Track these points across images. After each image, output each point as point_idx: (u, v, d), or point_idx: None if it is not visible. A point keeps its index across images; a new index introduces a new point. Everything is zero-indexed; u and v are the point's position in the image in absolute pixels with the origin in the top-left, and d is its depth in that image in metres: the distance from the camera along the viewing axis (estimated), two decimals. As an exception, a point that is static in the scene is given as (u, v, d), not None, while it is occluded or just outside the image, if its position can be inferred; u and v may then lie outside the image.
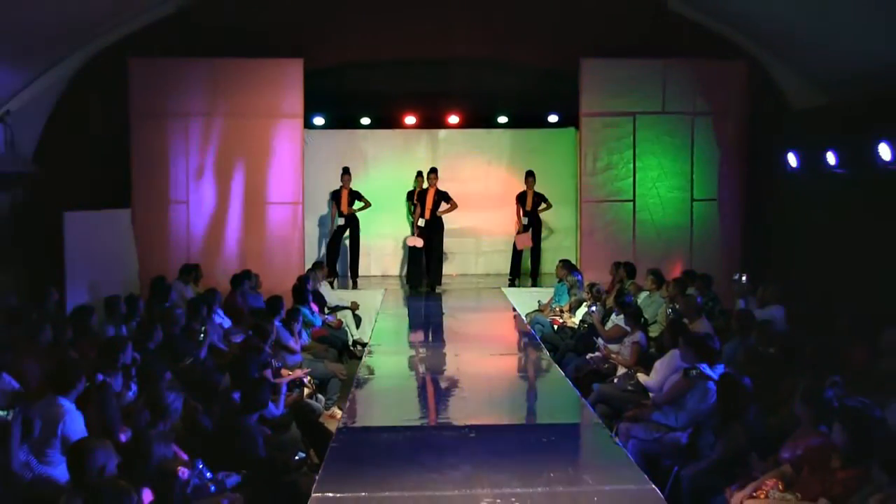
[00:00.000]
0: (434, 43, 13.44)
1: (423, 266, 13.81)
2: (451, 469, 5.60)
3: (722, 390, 6.42)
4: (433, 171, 13.71)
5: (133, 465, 4.93)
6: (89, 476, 4.57)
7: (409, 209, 14.89)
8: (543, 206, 14.10)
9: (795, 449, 5.53)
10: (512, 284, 14.00)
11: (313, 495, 5.21)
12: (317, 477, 5.60)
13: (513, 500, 5.06)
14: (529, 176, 14.10)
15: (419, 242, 13.72)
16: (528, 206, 14.05)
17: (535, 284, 13.90)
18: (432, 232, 13.71)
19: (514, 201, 14.24)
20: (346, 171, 14.09)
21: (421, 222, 13.70)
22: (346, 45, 13.39)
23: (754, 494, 5.31)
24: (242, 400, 6.57)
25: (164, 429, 5.87)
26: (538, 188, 14.10)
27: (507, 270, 14.40)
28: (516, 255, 14.28)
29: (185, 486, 5.06)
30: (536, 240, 14.22)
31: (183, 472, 5.26)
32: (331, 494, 5.22)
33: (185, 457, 5.82)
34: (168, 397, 5.93)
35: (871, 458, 4.72)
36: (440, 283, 13.81)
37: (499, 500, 5.06)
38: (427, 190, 13.75)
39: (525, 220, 14.07)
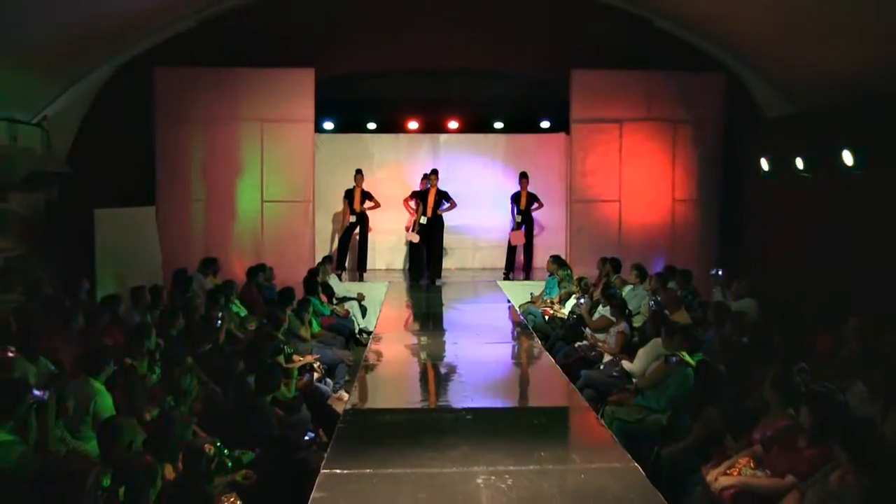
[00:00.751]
0: (436, 55, 13.49)
1: (424, 260, 13.62)
2: (449, 448, 5.61)
3: (699, 376, 6.44)
4: (434, 172, 13.56)
5: (157, 443, 4.94)
6: (117, 451, 4.59)
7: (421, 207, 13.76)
8: (536, 205, 14.11)
9: (766, 430, 5.54)
10: (506, 278, 13.99)
11: (322, 471, 5.24)
12: (325, 455, 5.63)
13: (506, 477, 5.08)
14: (523, 177, 14.10)
15: (416, 238, 13.58)
16: (522, 206, 14.06)
17: (527, 278, 13.89)
18: (433, 229, 13.54)
19: (509, 200, 14.25)
20: (358, 172, 13.92)
21: (423, 220, 13.49)
22: (355, 56, 13.41)
23: (728, 472, 5.33)
24: (256, 383, 6.58)
25: (182, 409, 5.89)
26: (531, 188, 14.10)
27: (503, 265, 14.40)
28: (511, 250, 14.29)
29: (210, 461, 5.07)
30: (529, 237, 14.23)
31: (207, 448, 5.27)
32: (338, 471, 5.25)
33: (205, 436, 5.85)
34: (183, 382, 5.93)
35: (833, 438, 4.73)
36: (440, 277, 13.60)
37: (493, 478, 5.08)
38: (428, 190, 13.60)
39: (519, 218, 14.08)
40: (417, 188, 14.23)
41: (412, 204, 13.91)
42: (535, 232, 14.51)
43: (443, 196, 13.55)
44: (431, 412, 6.84)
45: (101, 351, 6.44)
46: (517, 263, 14.43)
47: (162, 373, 7.08)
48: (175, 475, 4.98)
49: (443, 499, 4.81)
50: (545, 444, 5.66)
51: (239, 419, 6.36)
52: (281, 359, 8.10)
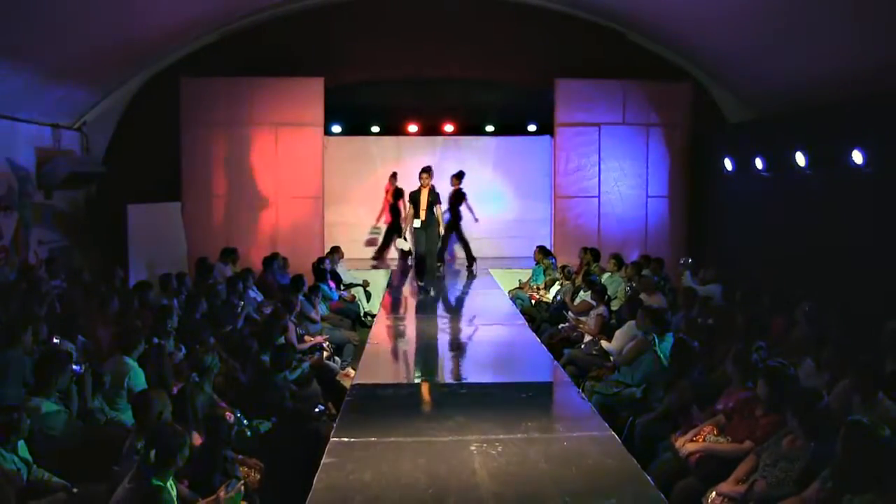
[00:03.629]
0: (433, 66, 13.50)
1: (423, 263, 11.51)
2: (445, 419, 5.64)
3: (675, 351, 6.46)
4: (427, 170, 11.46)
5: (182, 413, 4.97)
6: (149, 420, 4.62)
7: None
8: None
9: (728, 402, 5.59)
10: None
11: (332, 439, 5.27)
12: (334, 425, 5.66)
13: (497, 444, 5.11)
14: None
15: (406, 245, 12.01)
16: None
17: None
18: (428, 233, 11.40)
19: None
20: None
21: (417, 223, 11.31)
22: (360, 67, 13.42)
23: (694, 439, 5.35)
24: (271, 362, 6.60)
25: (205, 384, 5.91)
26: (520, 188, 14.11)
27: (493, 255, 14.45)
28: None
29: (230, 428, 5.10)
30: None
31: (229, 416, 5.31)
32: (346, 439, 5.27)
33: (222, 404, 5.88)
34: (207, 359, 5.96)
35: (785, 407, 4.79)
36: (433, 278, 11.63)
37: (485, 445, 5.11)
38: (419, 190, 11.42)
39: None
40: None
41: (405, 207, 12.19)
42: (523, 225, 14.47)
43: (436, 197, 11.44)
44: (429, 387, 6.85)
45: (133, 332, 6.45)
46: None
47: (187, 351, 7.11)
48: (201, 442, 5.03)
49: (440, 464, 4.83)
50: (531, 416, 5.69)
51: (256, 393, 6.40)
52: (292, 337, 8.16)
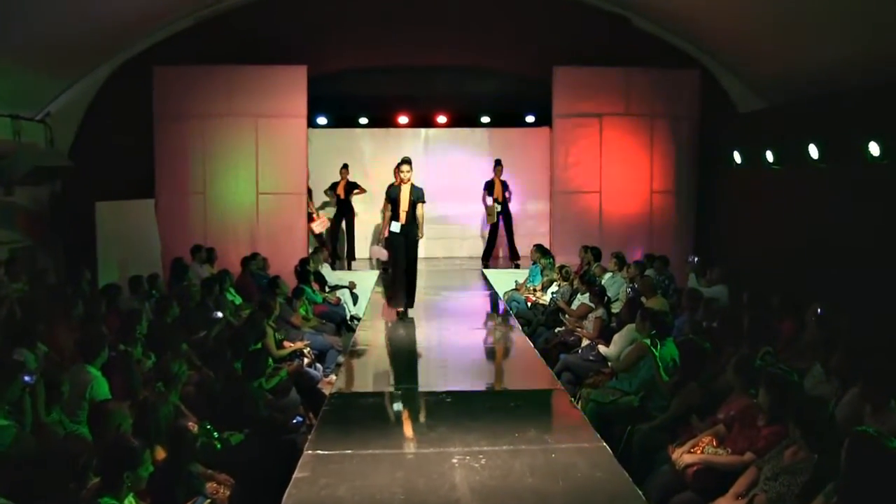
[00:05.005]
0: (424, 52, 13.46)
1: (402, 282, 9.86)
2: (427, 429, 5.65)
3: (685, 353, 6.44)
4: (407, 161, 9.78)
5: (142, 425, 4.95)
6: (106, 433, 4.60)
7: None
8: (507, 193, 14.07)
9: (729, 410, 5.57)
10: (486, 266, 13.94)
11: (305, 452, 5.26)
12: (309, 437, 5.64)
13: (480, 457, 5.10)
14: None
15: (384, 255, 10.33)
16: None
17: (517, 268, 13.73)
18: (410, 239, 9.75)
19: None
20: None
21: (395, 227, 9.68)
22: (346, 54, 13.39)
23: (692, 450, 5.33)
24: (243, 369, 6.59)
25: (174, 393, 5.89)
26: (518, 182, 14.10)
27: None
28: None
29: (194, 439, 5.08)
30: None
31: (192, 427, 5.29)
32: (321, 452, 5.27)
33: (190, 415, 5.86)
34: (172, 367, 5.93)
35: (788, 417, 4.77)
36: (412, 305, 9.99)
37: (468, 457, 5.10)
38: (399, 186, 9.76)
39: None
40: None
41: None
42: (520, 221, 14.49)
43: (420, 195, 9.76)
44: (413, 395, 6.84)
45: (96, 338, 6.42)
46: (495, 253, 14.44)
47: (157, 359, 7.09)
48: (165, 457, 5.00)
49: (418, 477, 4.82)
50: (519, 426, 5.68)
51: (228, 403, 6.37)
52: (270, 342, 8.15)
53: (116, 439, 4.25)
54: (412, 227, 9.68)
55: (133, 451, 4.12)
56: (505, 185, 14.06)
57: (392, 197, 9.74)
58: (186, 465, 4.80)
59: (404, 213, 9.63)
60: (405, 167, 9.67)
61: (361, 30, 13.26)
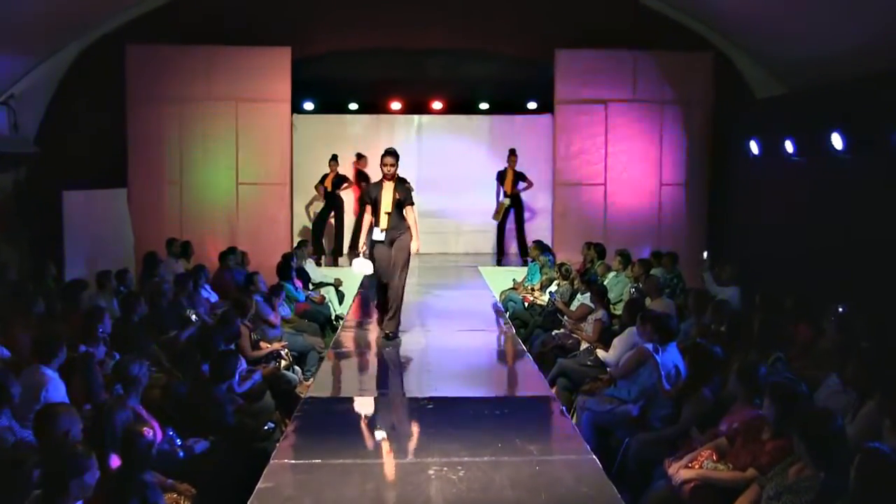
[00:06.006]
0: (417, 33, 13.46)
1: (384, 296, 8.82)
2: (405, 438, 5.63)
3: (693, 358, 6.39)
4: (391, 153, 8.52)
5: (94, 431, 4.90)
6: (53, 440, 4.55)
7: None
8: (524, 184, 14.04)
9: (731, 423, 5.51)
10: (499, 264, 13.91)
11: (271, 462, 5.23)
12: (277, 444, 5.60)
13: (458, 468, 5.05)
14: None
15: (369, 268, 8.70)
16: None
17: (524, 264, 13.64)
18: (396, 248, 8.53)
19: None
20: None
21: (378, 234, 8.49)
22: (333, 34, 13.36)
23: (690, 465, 5.27)
24: (210, 371, 6.53)
25: (133, 397, 5.84)
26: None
27: (487, 250, 14.36)
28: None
29: (149, 446, 5.01)
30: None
31: (147, 431, 5.22)
32: (288, 461, 5.25)
33: (153, 421, 5.80)
34: (133, 368, 5.87)
35: (793, 431, 4.70)
36: (397, 329, 8.78)
37: (445, 468, 5.05)
38: (380, 183, 8.54)
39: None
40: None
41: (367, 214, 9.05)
42: (538, 219, 14.45)
43: (408, 193, 8.55)
44: (393, 401, 6.84)
45: (53, 337, 6.37)
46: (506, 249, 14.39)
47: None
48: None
49: (390, 490, 4.80)
50: (503, 435, 5.63)
51: (193, 407, 6.32)
52: (244, 343, 8.09)
53: (61, 445, 4.20)
54: (398, 233, 8.49)
55: (78, 458, 4.07)
56: (521, 177, 14.00)
57: (372, 197, 8.55)
58: (140, 473, 4.74)
59: (386, 217, 8.42)
60: (388, 160, 8.42)
61: (350, 8, 13.21)
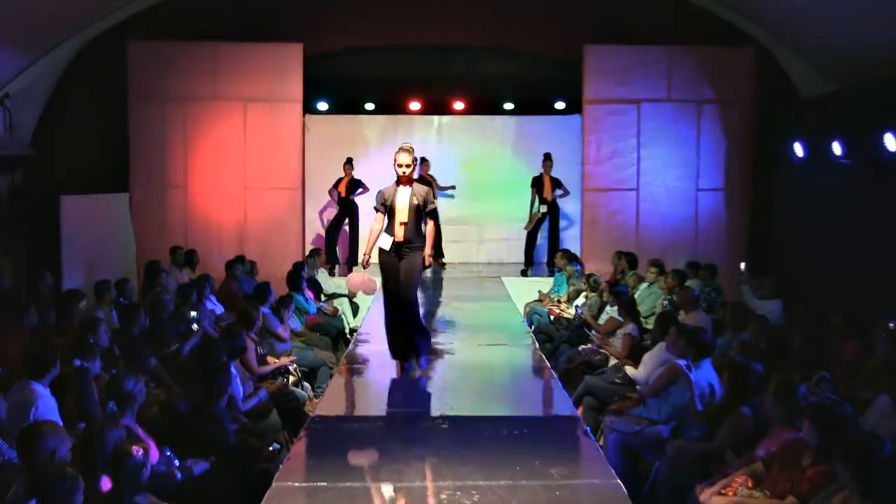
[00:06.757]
0: (437, 29, 13.44)
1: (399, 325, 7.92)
2: (416, 460, 5.58)
3: (730, 376, 6.35)
4: (406, 149, 7.66)
5: (84, 451, 4.91)
6: (38, 460, 4.56)
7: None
8: (560, 191, 13.97)
9: (769, 446, 5.47)
10: (524, 274, 13.88)
11: (274, 484, 5.22)
12: (281, 466, 5.60)
13: (473, 493, 5.01)
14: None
15: (373, 286, 8.37)
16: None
17: (551, 274, 13.53)
18: (405, 265, 7.63)
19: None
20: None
21: (386, 241, 7.62)
22: (345, 30, 13.40)
23: (723, 491, 5.25)
24: (203, 386, 6.53)
25: (129, 414, 5.86)
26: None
27: (510, 259, 14.32)
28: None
29: (139, 467, 5.02)
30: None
31: (137, 451, 5.23)
32: (291, 484, 5.23)
33: (149, 441, 5.81)
34: (129, 384, 5.89)
35: (837, 456, 4.65)
36: (419, 358, 8.06)
37: (458, 493, 5.02)
38: (395, 187, 7.64)
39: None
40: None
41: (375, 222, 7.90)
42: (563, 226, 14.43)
43: (427, 195, 7.68)
44: (405, 420, 6.79)
45: (45, 351, 6.40)
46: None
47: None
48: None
49: (399, 516, 4.77)
50: (523, 458, 5.60)
51: (192, 426, 6.33)
52: (249, 358, 8.11)
53: (47, 466, 4.21)
54: (414, 244, 7.60)
55: (65, 480, 4.08)
56: (557, 183, 13.93)
57: (385, 202, 7.65)
58: (131, 495, 4.75)
59: (402, 228, 7.51)
60: (403, 158, 7.52)
61: (366, 2, 13.27)
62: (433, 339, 9.45)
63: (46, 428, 4.77)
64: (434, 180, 14.17)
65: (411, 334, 7.87)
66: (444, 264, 14.29)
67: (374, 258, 7.83)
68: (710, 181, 13.22)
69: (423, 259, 7.63)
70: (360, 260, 7.98)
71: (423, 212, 7.57)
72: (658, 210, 13.22)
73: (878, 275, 9.86)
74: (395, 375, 8.08)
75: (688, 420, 6.56)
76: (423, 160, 14.20)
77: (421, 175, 14.04)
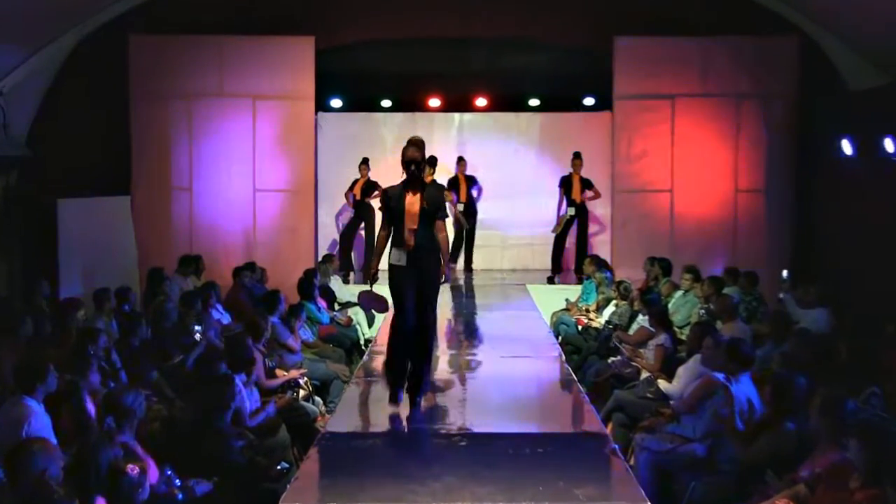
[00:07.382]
0: (458, 20, 13.50)
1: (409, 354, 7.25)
2: (432, 479, 5.54)
3: (772, 390, 6.29)
4: (416, 143, 7.18)
5: (79, 470, 4.91)
6: (26, 481, 4.55)
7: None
8: (591, 193, 13.87)
9: (813, 467, 5.39)
10: (551, 282, 13.84)
11: (281, 504, 5.20)
12: (289, 485, 5.58)
13: (492, 515, 5.00)
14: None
15: (385, 304, 7.63)
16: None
17: (580, 282, 13.47)
18: (425, 277, 7.10)
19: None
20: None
21: (398, 257, 7.02)
22: (359, 23, 13.45)
23: (764, 515, 5.19)
24: (206, 400, 6.52)
25: (127, 431, 5.85)
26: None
27: (535, 265, 14.28)
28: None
29: (136, 487, 5.01)
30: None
31: (133, 469, 5.22)
32: (299, 504, 5.20)
33: (148, 459, 5.81)
34: (127, 398, 5.89)
35: (888, 479, 4.58)
36: (419, 392, 7.26)
37: (476, 516, 5.00)
38: (403, 189, 7.03)
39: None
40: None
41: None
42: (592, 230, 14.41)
43: (440, 200, 7.19)
44: (421, 437, 6.80)
45: (38, 364, 6.41)
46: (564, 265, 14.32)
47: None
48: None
49: (410, 541, 4.74)
50: (546, 477, 5.56)
51: (194, 443, 6.33)
52: (258, 370, 8.11)
53: (35, 486, 4.20)
54: (427, 255, 7.06)
55: (56, 501, 4.07)
56: (587, 184, 13.83)
57: (393, 207, 7.05)
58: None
59: (411, 234, 6.96)
60: (412, 153, 7.06)
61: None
62: (453, 351, 9.45)
63: (36, 446, 4.76)
64: (469, 182, 14.40)
65: (421, 367, 7.27)
66: (471, 269, 14.51)
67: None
68: (750, 181, 13.19)
69: (440, 271, 7.17)
70: (371, 273, 7.51)
71: (433, 216, 7.05)
72: (693, 212, 13.19)
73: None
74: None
75: (725, 439, 6.49)
76: (460, 159, 14.37)
77: (456, 175, 14.24)
